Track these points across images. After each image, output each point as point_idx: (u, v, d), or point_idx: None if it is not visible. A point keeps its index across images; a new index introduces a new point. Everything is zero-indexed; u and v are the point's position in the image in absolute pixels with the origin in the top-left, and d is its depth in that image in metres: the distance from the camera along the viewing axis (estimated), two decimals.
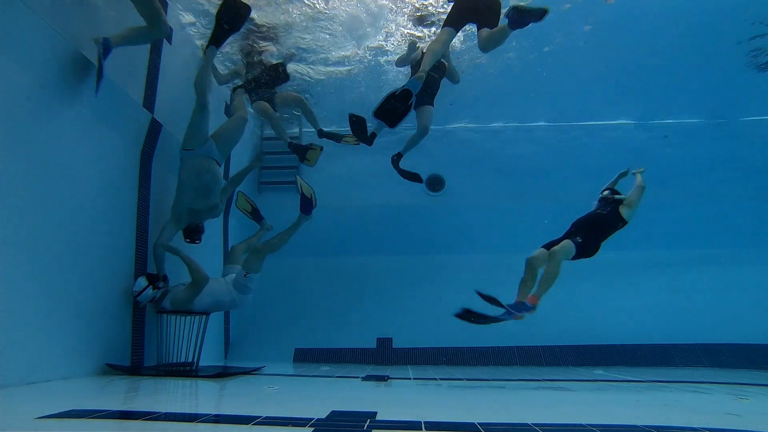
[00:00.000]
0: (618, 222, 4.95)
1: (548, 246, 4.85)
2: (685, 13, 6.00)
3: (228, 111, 6.23)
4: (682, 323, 7.11)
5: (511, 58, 6.88)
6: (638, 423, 2.08)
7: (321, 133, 6.34)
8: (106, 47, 3.50)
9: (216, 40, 4.41)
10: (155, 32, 3.89)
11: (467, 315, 4.32)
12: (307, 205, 5.28)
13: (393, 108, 4.40)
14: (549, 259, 4.62)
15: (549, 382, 4.46)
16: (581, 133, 8.47)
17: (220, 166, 4.76)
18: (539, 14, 3.83)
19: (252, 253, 4.94)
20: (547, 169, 8.28)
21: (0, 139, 2.75)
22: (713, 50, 6.54)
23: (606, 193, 5.28)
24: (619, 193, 5.20)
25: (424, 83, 5.79)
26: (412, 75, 5.89)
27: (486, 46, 4.38)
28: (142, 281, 4.07)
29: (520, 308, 4.46)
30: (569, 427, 2.04)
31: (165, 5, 4.75)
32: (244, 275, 4.78)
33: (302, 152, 6.32)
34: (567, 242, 4.69)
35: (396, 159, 5.88)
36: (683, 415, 2.54)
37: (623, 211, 4.95)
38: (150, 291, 4.08)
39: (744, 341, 6.82)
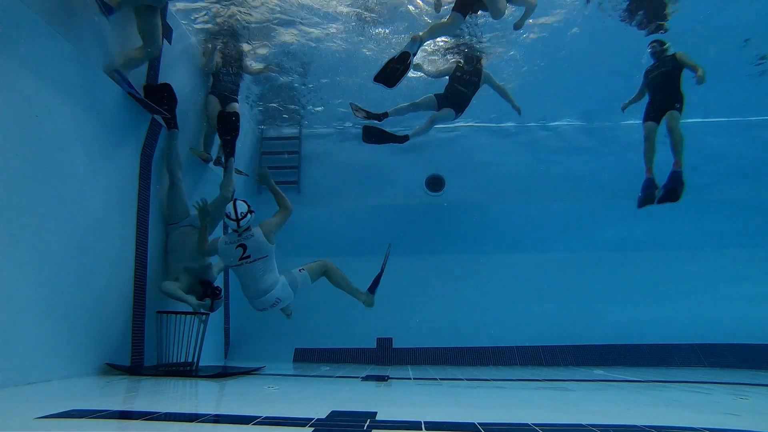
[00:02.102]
0: (680, 68, 5.66)
1: (652, 117, 5.75)
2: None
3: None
4: (682, 323, 7.11)
5: (515, 59, 6.91)
6: (638, 423, 2.08)
7: (217, 161, 6.34)
8: (123, 78, 3.92)
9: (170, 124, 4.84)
10: (150, 51, 4.19)
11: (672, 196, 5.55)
12: (376, 285, 5.01)
13: (393, 70, 4.72)
14: (669, 132, 5.50)
15: (549, 382, 4.46)
16: (582, 133, 8.49)
17: None
18: None
19: (317, 263, 4.97)
20: (548, 168, 8.28)
21: (1, 139, 2.75)
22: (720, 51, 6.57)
23: (655, 44, 5.87)
24: (664, 44, 5.84)
25: (453, 94, 6.11)
26: (449, 81, 6.24)
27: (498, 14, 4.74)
28: (243, 205, 4.23)
29: (677, 177, 5.46)
30: (569, 427, 2.04)
31: (168, 29, 4.91)
32: (299, 270, 4.75)
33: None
34: (674, 113, 5.51)
35: (402, 140, 6.35)
36: (683, 415, 2.54)
37: (680, 58, 5.63)
38: (250, 216, 4.24)
39: (744, 341, 6.82)
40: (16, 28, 2.87)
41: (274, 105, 8.08)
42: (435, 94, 6.28)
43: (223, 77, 6.13)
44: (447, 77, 6.33)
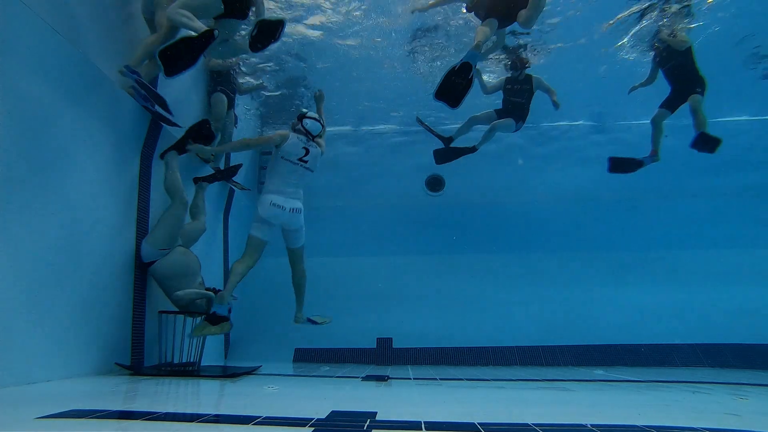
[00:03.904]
0: (690, 53, 5.85)
1: (666, 105, 5.97)
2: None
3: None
4: (682, 323, 7.11)
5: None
6: (638, 423, 2.08)
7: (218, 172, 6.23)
8: (139, 93, 3.86)
9: (179, 149, 4.63)
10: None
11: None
12: (314, 323, 5.24)
13: (453, 85, 4.32)
14: (693, 114, 5.62)
15: (549, 382, 4.46)
16: (583, 132, 8.50)
17: None
18: None
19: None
20: (548, 168, 8.29)
21: (1, 140, 2.75)
22: (715, 50, 6.57)
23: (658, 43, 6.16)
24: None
25: (510, 107, 6.14)
26: (504, 96, 6.26)
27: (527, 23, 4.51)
28: None
29: (706, 139, 5.62)
30: (569, 427, 2.04)
31: None
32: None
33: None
34: (696, 96, 5.61)
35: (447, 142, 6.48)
36: (683, 415, 2.54)
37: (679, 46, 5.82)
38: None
39: (744, 341, 6.83)
40: (17, 29, 2.87)
41: (275, 102, 8.08)
42: (495, 110, 6.32)
43: (231, 76, 5.97)
44: (501, 91, 6.35)
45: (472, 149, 6.34)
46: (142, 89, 3.85)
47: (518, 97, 6.13)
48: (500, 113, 6.25)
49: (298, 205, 4.76)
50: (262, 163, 8.43)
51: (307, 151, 4.79)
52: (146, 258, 4.19)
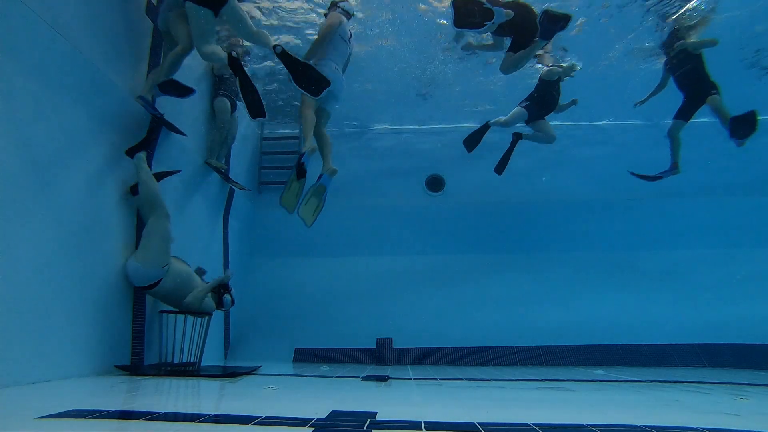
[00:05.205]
0: (701, 58, 5.89)
1: (680, 115, 6.05)
2: None
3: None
4: (682, 323, 7.11)
5: None
6: (638, 423, 2.08)
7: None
8: (147, 102, 4.02)
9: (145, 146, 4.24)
10: (171, 73, 4.17)
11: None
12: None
13: (472, 12, 4.51)
14: (716, 113, 5.70)
15: (549, 382, 4.46)
16: (583, 132, 8.49)
17: None
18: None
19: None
20: (548, 168, 8.29)
21: (2, 141, 2.75)
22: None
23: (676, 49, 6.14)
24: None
25: (543, 99, 6.35)
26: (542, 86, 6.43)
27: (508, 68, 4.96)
28: None
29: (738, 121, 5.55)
30: (569, 427, 2.04)
31: None
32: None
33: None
34: (714, 97, 5.68)
35: (516, 138, 6.61)
36: (683, 415, 2.54)
37: (690, 45, 5.88)
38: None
39: (744, 341, 6.83)
40: (16, 29, 2.88)
41: (279, 104, 8.08)
42: (524, 107, 6.40)
43: (231, 79, 6.01)
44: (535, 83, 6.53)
45: (486, 126, 6.52)
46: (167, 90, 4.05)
47: (552, 97, 6.40)
48: (531, 109, 6.37)
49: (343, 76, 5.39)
50: (262, 163, 8.43)
51: (351, 34, 5.35)
52: (150, 279, 3.97)
